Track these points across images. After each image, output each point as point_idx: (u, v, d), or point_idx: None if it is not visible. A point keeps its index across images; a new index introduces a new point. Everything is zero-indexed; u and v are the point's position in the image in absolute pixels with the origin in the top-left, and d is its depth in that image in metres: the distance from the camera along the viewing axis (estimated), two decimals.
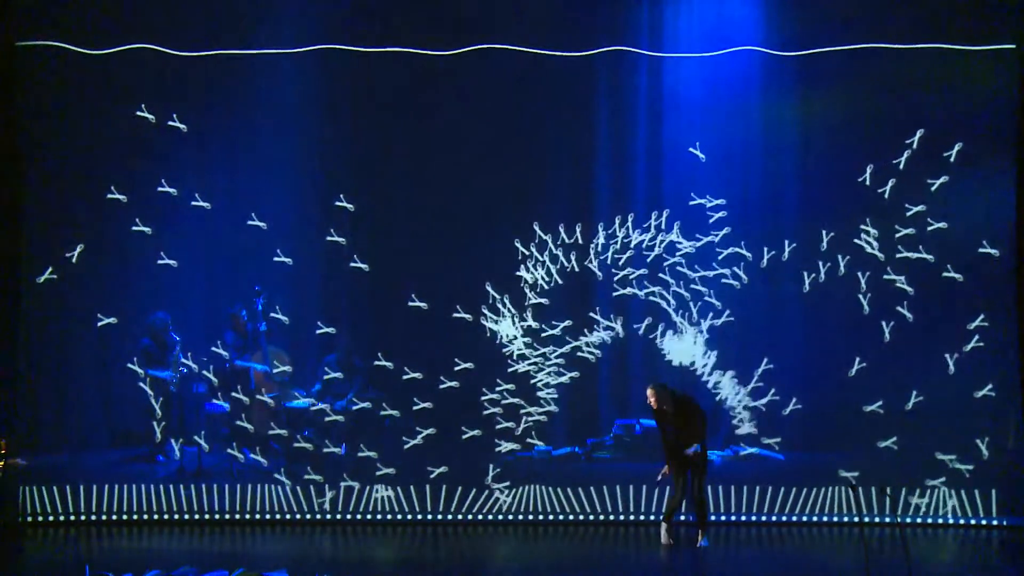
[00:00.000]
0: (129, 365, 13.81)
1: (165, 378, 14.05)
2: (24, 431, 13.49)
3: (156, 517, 13.38)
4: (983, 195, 13.45)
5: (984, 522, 13.38)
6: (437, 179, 13.70)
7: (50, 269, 13.53)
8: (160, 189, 13.72)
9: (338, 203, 13.73)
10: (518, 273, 13.72)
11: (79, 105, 13.57)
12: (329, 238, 13.74)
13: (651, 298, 13.79)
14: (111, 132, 13.63)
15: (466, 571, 11.97)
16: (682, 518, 13.09)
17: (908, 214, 13.52)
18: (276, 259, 13.67)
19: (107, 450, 13.97)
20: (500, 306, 13.71)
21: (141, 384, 13.85)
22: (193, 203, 13.77)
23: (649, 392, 12.66)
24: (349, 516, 13.55)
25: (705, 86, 13.80)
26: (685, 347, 13.82)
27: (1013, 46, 13.38)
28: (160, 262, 13.61)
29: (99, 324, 13.60)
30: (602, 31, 13.78)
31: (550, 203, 13.82)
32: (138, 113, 13.50)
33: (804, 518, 13.51)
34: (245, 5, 13.78)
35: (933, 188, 13.48)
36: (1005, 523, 13.33)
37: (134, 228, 13.58)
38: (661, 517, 12.81)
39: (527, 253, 13.73)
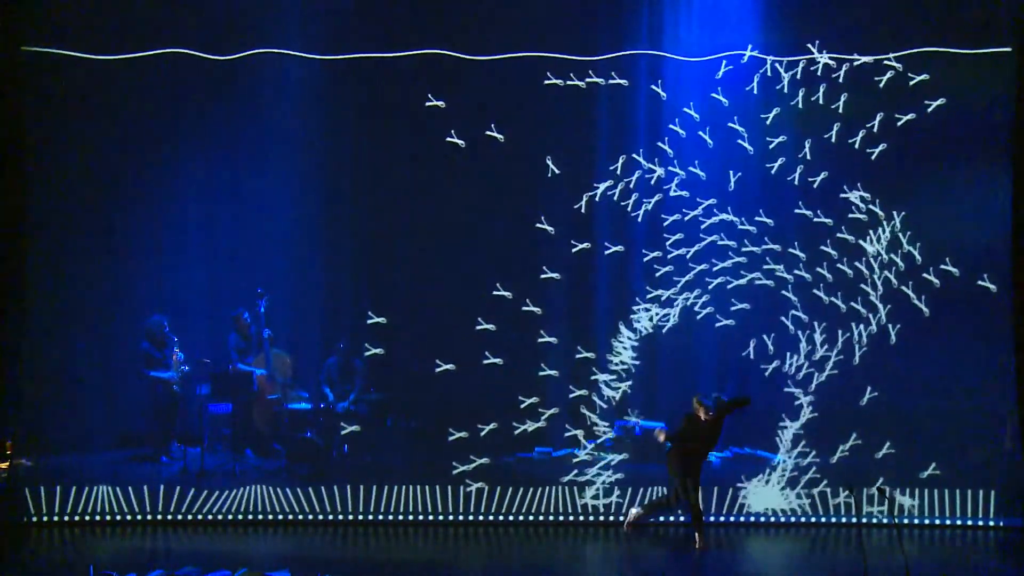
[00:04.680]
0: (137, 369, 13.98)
1: (167, 379, 14.16)
2: (29, 432, 13.54)
3: (160, 517, 13.45)
4: (980, 198, 13.52)
5: (982, 523, 13.46)
6: (437, 181, 13.80)
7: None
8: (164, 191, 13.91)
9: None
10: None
11: (84, 110, 13.64)
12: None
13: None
14: (116, 136, 13.73)
15: (466, 571, 12.07)
16: (683, 518, 13.21)
17: (904, 216, 13.61)
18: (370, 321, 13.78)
19: (111, 451, 14.06)
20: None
21: (144, 386, 13.99)
22: (195, 204, 13.98)
23: (702, 405, 12.63)
24: (351, 516, 13.60)
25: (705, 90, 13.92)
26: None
27: (1009, 49, 13.46)
28: (370, 321, 13.75)
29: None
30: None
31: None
32: (448, 139, 13.58)
33: (802, 519, 13.58)
34: (250, 10, 13.88)
35: (930, 191, 13.57)
36: (1002, 524, 13.40)
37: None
38: (641, 504, 12.82)
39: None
